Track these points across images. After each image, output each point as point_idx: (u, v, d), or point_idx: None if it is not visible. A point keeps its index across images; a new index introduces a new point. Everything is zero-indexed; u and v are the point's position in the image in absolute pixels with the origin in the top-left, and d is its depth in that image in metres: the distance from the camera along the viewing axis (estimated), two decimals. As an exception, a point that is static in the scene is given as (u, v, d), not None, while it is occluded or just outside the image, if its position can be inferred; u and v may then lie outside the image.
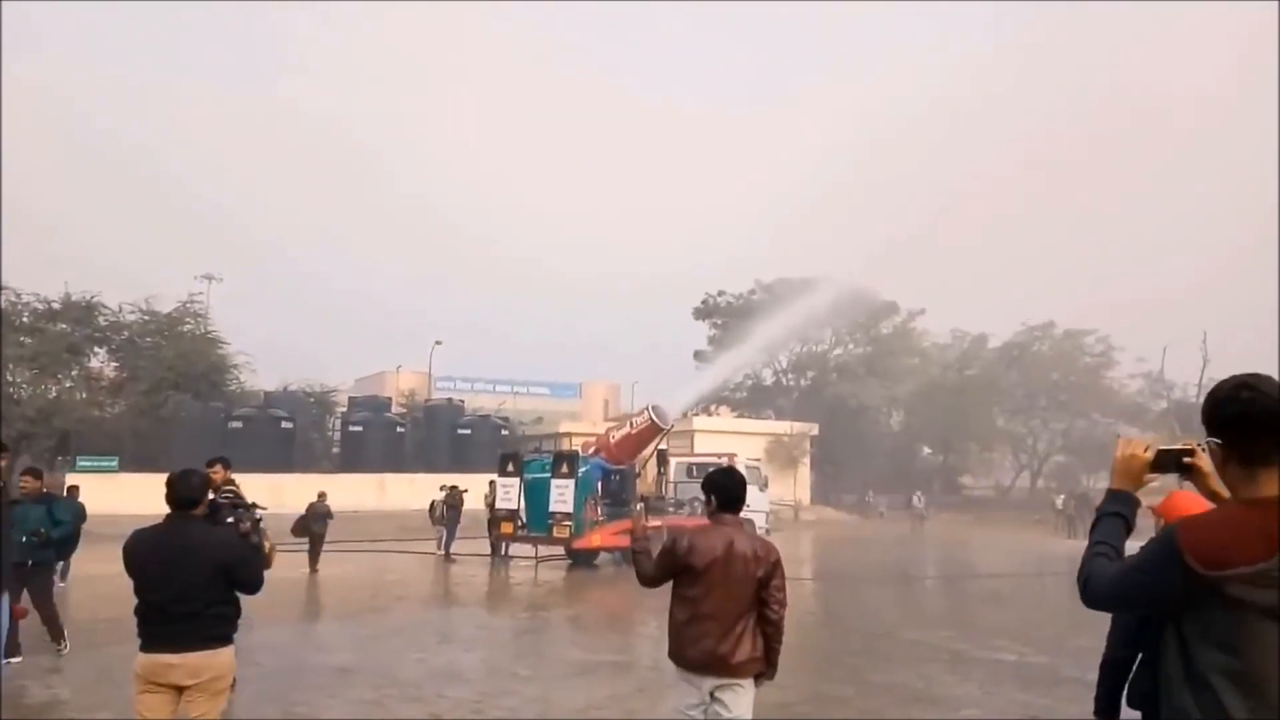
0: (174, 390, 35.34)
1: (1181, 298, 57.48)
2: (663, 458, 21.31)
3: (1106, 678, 3.17)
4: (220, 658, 4.01)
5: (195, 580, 3.91)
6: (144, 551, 4.06)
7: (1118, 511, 2.16)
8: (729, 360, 35.06)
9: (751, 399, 52.38)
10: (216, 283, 44.71)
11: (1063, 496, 36.81)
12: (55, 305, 36.59)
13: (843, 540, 29.69)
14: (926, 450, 54.36)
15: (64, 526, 8.18)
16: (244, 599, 4.18)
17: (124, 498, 20.68)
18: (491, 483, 20.67)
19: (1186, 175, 72.76)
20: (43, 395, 35.47)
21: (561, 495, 18.50)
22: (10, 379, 34.96)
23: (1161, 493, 2.68)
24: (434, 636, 10.69)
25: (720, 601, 3.97)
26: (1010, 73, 65.80)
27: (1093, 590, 2.08)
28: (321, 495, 18.20)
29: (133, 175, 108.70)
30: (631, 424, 20.91)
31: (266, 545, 5.40)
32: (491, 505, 20.23)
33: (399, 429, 38.24)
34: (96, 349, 38.44)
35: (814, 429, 43.32)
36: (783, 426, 43.30)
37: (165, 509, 4.05)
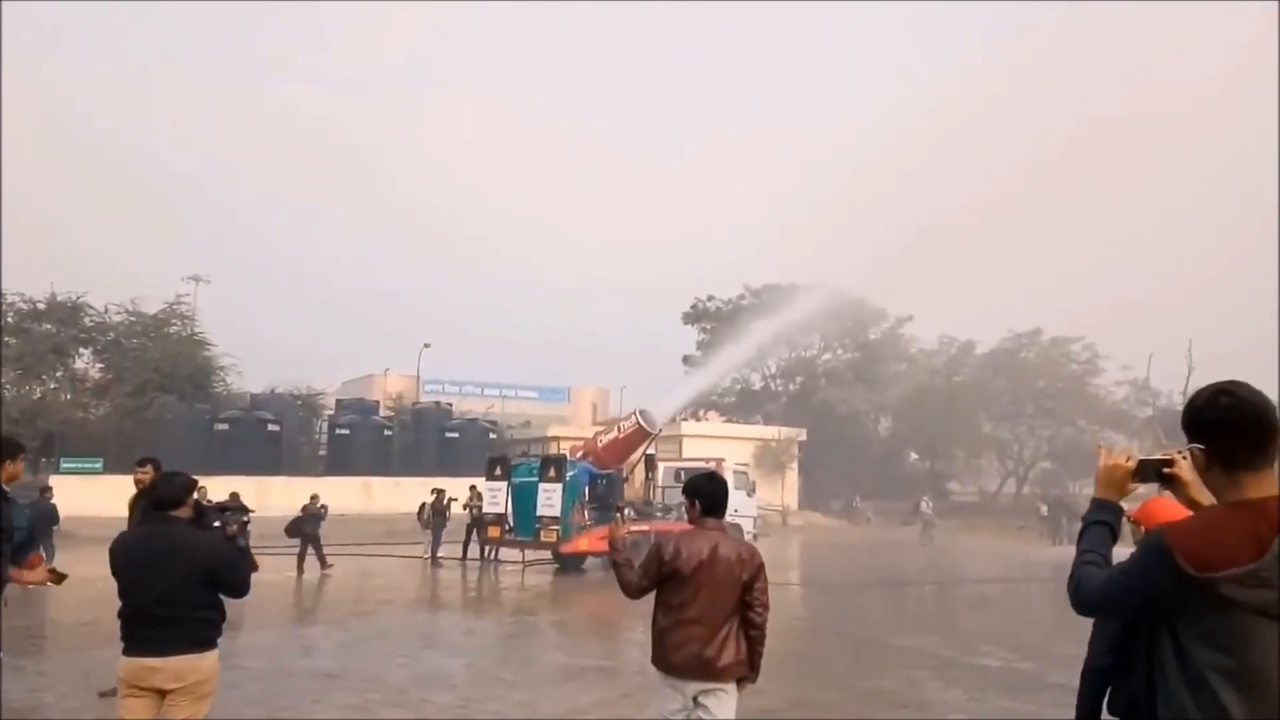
0: (160, 392, 35.10)
1: (1167, 306, 57.99)
2: (651, 462, 21.32)
3: (1089, 685, 3.20)
4: (204, 662, 3.98)
5: (179, 583, 3.89)
6: (128, 554, 4.03)
7: (1103, 520, 2.21)
8: (716, 365, 35.10)
9: (740, 404, 52.47)
10: (204, 284, 44.52)
11: (1045, 505, 36.90)
12: (40, 305, 36.32)
13: (830, 546, 29.75)
14: (914, 456, 54.54)
15: (19, 533, 8.05)
16: (229, 602, 4.16)
17: (108, 500, 20.47)
18: (472, 487, 20.63)
19: (1172, 184, 73.29)
20: (27, 396, 35.19)
21: (549, 499, 18.47)
22: (-2, 379, 34.69)
23: (1138, 500, 2.72)
24: (419, 641, 10.66)
25: (706, 605, 3.98)
26: (999, 83, 66.20)
27: (1083, 596, 2.11)
28: (314, 498, 18.26)
29: (122, 174, 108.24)
30: (619, 429, 20.91)
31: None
32: (471, 509, 20.13)
33: (386, 432, 38.09)
34: (82, 350, 38.15)
35: (802, 434, 43.41)
36: (771, 432, 43.39)
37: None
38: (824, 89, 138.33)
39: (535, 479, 19.07)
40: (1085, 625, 3.14)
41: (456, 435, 38.11)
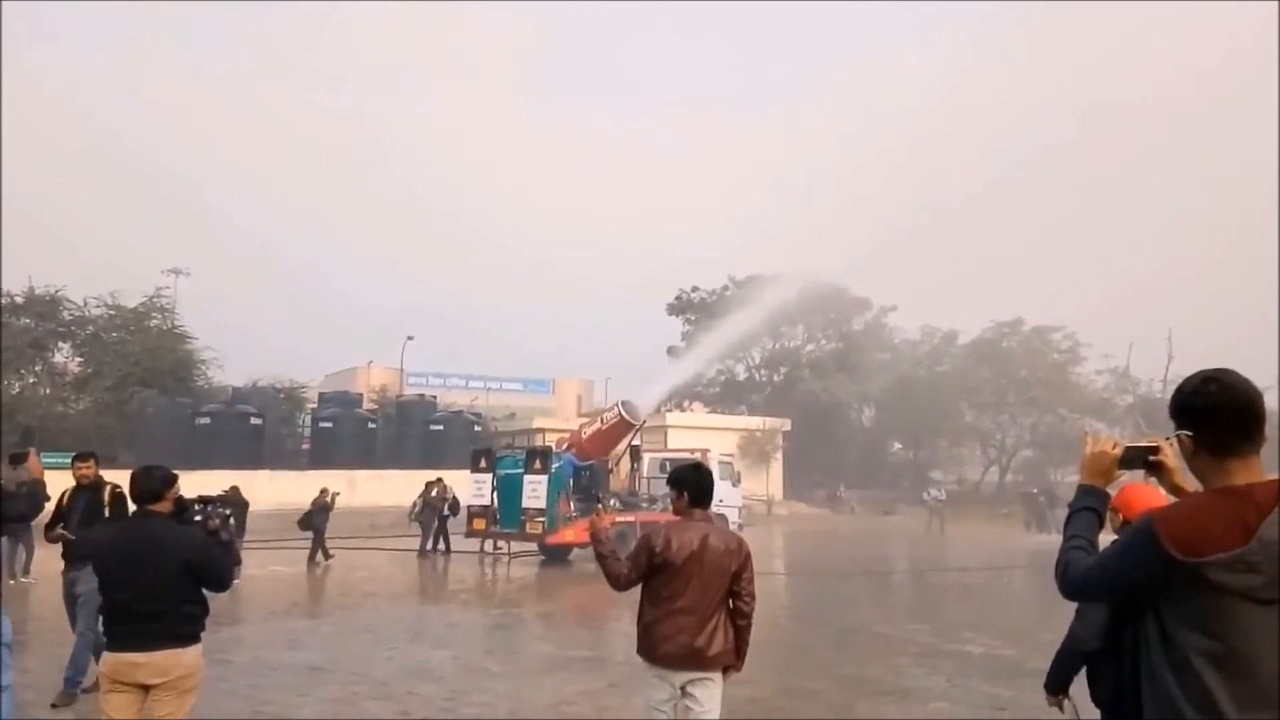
0: (140, 386, 34.77)
1: (1147, 296, 58.41)
2: (636, 453, 21.33)
3: (1063, 664, 3.25)
4: (187, 656, 3.97)
5: (161, 578, 3.87)
6: (109, 549, 4.01)
7: (1089, 506, 2.24)
8: (697, 356, 35.15)
9: (724, 395, 52.56)
10: (184, 277, 44.12)
11: (1036, 489, 37.08)
12: (18, 299, 35.91)
13: (814, 535, 29.89)
14: (897, 446, 54.83)
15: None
16: (212, 596, 4.14)
17: (89, 495, 20.33)
18: (439, 480, 20.52)
19: (1153, 174, 73.90)
20: (5, 391, 34.78)
21: (534, 491, 18.46)
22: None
23: (1114, 486, 2.76)
24: (405, 634, 10.63)
25: (696, 596, 4.00)
26: (983, 78, 66.50)
27: (1071, 580, 2.14)
28: (324, 490, 18.47)
29: (101, 166, 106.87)
30: (602, 420, 20.92)
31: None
32: (429, 502, 19.96)
33: (370, 425, 37.91)
34: (61, 344, 37.74)
35: (786, 424, 43.53)
36: (755, 422, 43.48)
37: (131, 506, 4.01)
38: (810, 83, 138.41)
39: (520, 471, 19.05)
40: (1067, 612, 3.18)
41: (441, 428, 37.98)
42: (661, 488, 19.93)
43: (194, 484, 5.08)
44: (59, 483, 6.52)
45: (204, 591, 4.07)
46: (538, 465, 18.82)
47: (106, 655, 3.93)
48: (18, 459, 5.12)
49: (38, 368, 36.97)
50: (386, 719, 6.81)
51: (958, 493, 49.55)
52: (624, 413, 19.92)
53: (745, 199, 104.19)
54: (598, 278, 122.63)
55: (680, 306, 51.94)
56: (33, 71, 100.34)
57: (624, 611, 10.86)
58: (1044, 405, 48.12)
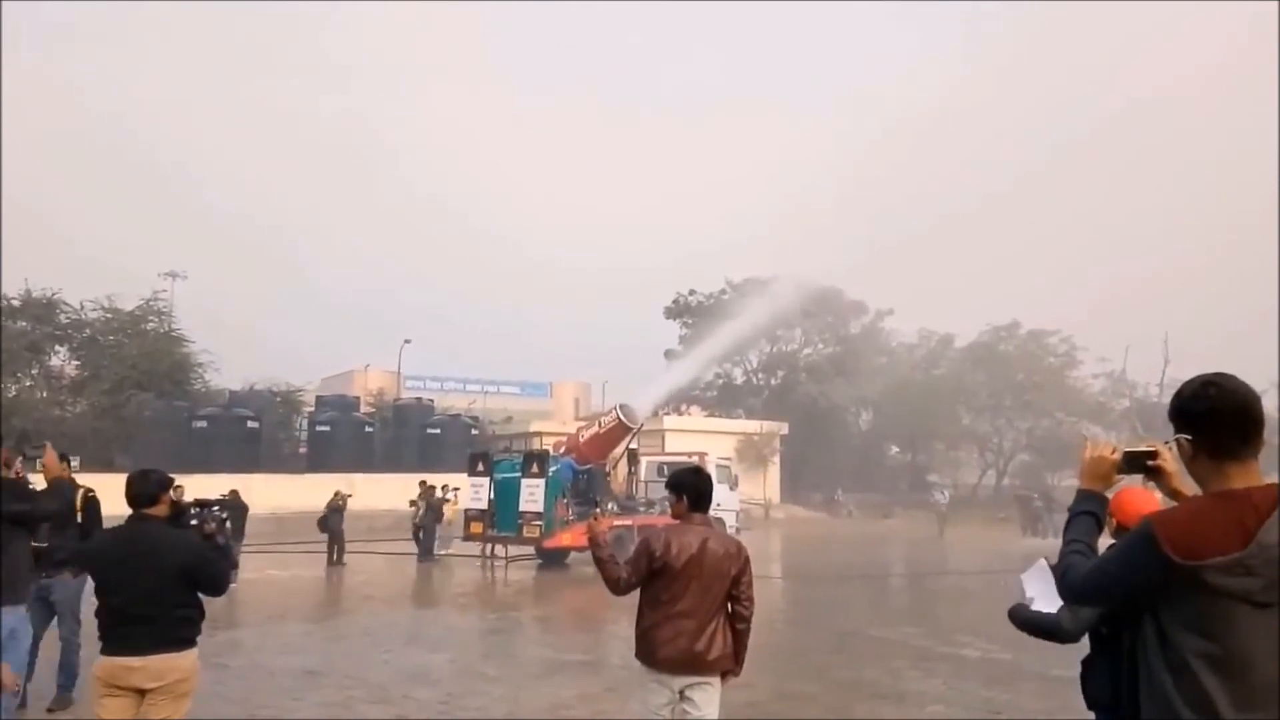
0: (137, 389, 34.72)
1: (1143, 299, 58.56)
2: (633, 457, 21.32)
3: (1035, 627, 3.24)
4: (183, 660, 3.96)
5: (157, 583, 3.86)
6: (105, 553, 4.00)
7: (1089, 510, 2.25)
8: (694, 359, 35.13)
9: (722, 398, 52.56)
10: (181, 280, 44.10)
11: (1034, 494, 37.08)
12: (15, 302, 35.86)
13: (811, 539, 29.89)
14: (894, 449, 54.84)
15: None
16: (208, 600, 4.13)
17: (85, 499, 20.29)
18: (422, 482, 20.45)
19: (1148, 178, 74.07)
20: (1, 394, 34.73)
21: (532, 495, 18.45)
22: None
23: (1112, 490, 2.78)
24: (401, 637, 10.62)
25: (696, 600, 3.99)
26: (980, 82, 66.64)
27: (1071, 584, 2.16)
28: (337, 493, 18.73)
29: (97, 166, 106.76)
30: (600, 424, 20.92)
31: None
32: (432, 504, 19.89)
33: (367, 429, 37.89)
34: (58, 347, 37.72)
35: (783, 428, 43.55)
36: (753, 426, 43.49)
37: (127, 510, 4.00)
38: (808, 86, 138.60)
39: (518, 474, 19.03)
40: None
41: (438, 431, 37.96)
42: (659, 491, 19.93)
43: (191, 487, 5.08)
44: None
45: (200, 595, 4.07)
46: (535, 469, 18.81)
47: (102, 659, 3.92)
48: (33, 457, 5.06)
49: (34, 371, 36.94)
50: (383, 723, 6.80)
51: (955, 496, 49.59)
52: (622, 416, 19.92)
53: (743, 202, 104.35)
54: (595, 281, 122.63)
55: (677, 309, 51.96)
56: (32, 71, 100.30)
57: (621, 615, 10.85)
58: (1040, 409, 48.18)
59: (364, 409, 41.95)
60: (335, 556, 18.24)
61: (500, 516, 19.20)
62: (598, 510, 4.73)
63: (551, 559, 19.08)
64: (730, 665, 4.09)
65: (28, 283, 36.51)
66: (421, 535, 19.78)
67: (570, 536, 18.59)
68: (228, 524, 6.00)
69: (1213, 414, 1.99)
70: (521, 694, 7.70)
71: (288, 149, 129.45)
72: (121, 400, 34.47)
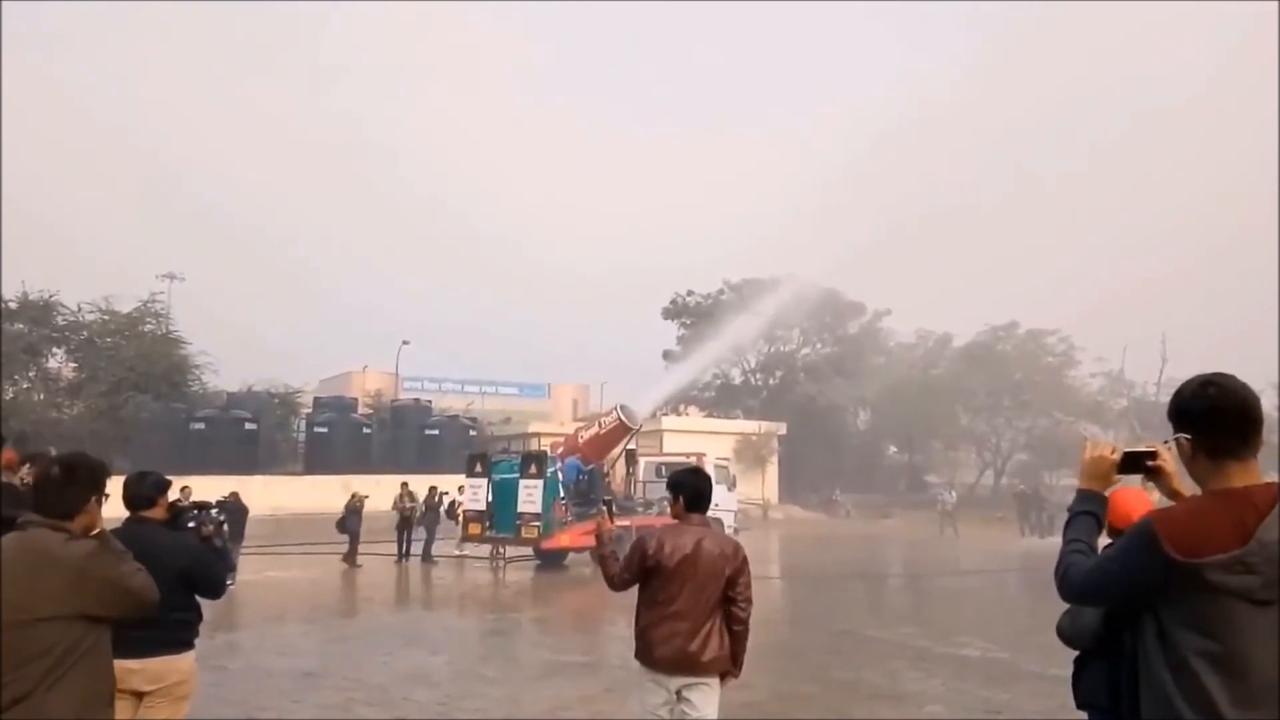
0: (134, 391, 34.69)
1: (1141, 299, 58.58)
2: (631, 457, 21.33)
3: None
4: (182, 663, 3.96)
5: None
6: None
7: (1088, 510, 2.26)
8: (696, 360, 35.15)
9: (720, 399, 52.56)
10: (178, 281, 44.04)
11: (1024, 487, 37.10)
12: (12, 304, 35.81)
13: (809, 539, 29.89)
14: (892, 449, 54.86)
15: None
16: (206, 603, 4.13)
17: (83, 501, 20.23)
18: (403, 484, 20.32)
19: (1146, 178, 74.15)
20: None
21: (530, 496, 18.44)
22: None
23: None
24: (400, 639, 10.61)
25: (690, 600, 3.98)
26: (976, 81, 66.69)
27: (1071, 583, 2.17)
28: (354, 495, 18.78)
29: (104, 167, 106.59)
30: (600, 424, 20.92)
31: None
32: (402, 509, 19.66)
33: (365, 430, 37.86)
34: (55, 349, 37.67)
35: (782, 428, 43.56)
36: (751, 426, 43.49)
37: (124, 512, 4.00)
38: (805, 87, 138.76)
39: (516, 476, 19.01)
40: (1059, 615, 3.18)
41: (436, 432, 37.94)
42: (657, 492, 19.95)
43: (190, 490, 5.08)
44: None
45: (198, 598, 4.06)
46: (533, 470, 18.80)
47: (100, 662, 3.91)
48: (35, 459, 5.02)
49: (31, 373, 36.88)
50: (381, 725, 6.80)
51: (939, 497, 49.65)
52: (623, 417, 19.93)
53: (740, 203, 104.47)
54: (594, 282, 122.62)
55: (675, 310, 51.98)
56: (31, 72, 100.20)
57: (619, 616, 10.86)
58: (1038, 408, 48.19)
59: (362, 410, 41.93)
60: (351, 558, 18.29)
61: (498, 517, 19.19)
62: (607, 507, 4.72)
63: (549, 560, 19.07)
64: (727, 667, 4.06)
65: (25, 284, 36.52)
66: (407, 535, 19.59)
67: (569, 538, 18.59)
68: (225, 526, 6.01)
69: (1212, 413, 2.00)
70: (520, 695, 7.69)
71: (286, 150, 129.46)
72: (119, 402, 34.44)
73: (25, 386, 36.69)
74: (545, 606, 14.61)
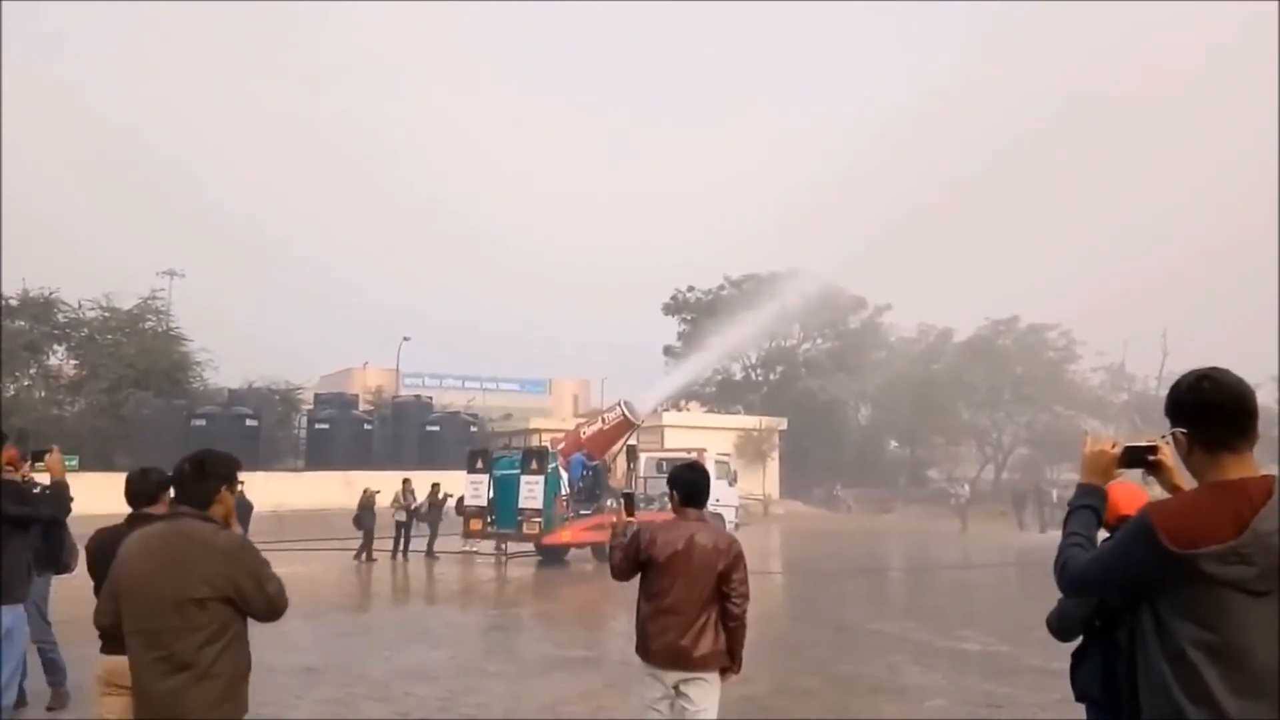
0: (135, 388, 34.73)
1: (1142, 293, 58.54)
2: (632, 453, 21.33)
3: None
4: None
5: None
6: (106, 552, 3.99)
7: (1088, 504, 2.29)
8: (703, 357, 35.15)
9: (721, 394, 52.60)
10: (178, 278, 44.09)
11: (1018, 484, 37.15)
12: (13, 301, 35.82)
13: (811, 534, 29.91)
14: (893, 444, 54.88)
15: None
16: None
17: (84, 497, 20.15)
18: (405, 481, 20.20)
19: (1147, 172, 73.99)
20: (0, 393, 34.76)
21: (531, 492, 18.46)
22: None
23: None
24: (402, 634, 10.63)
25: (681, 595, 3.98)
26: (976, 74, 66.58)
27: (1070, 574, 2.19)
28: (366, 490, 18.91)
29: (96, 165, 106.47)
30: (604, 419, 20.95)
31: None
32: (406, 506, 19.55)
33: (366, 426, 37.91)
34: (56, 346, 37.71)
35: (783, 423, 43.58)
36: (752, 421, 43.53)
37: (127, 508, 4.00)
38: (804, 82, 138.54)
39: (517, 472, 19.03)
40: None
41: (437, 429, 38.00)
42: (658, 487, 19.98)
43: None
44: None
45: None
46: (534, 465, 18.81)
47: (102, 658, 3.92)
48: (38, 456, 4.99)
49: (32, 370, 36.93)
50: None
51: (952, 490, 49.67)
52: (627, 412, 19.94)
53: (741, 199, 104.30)
54: (594, 278, 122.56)
55: (676, 306, 52.01)
56: (31, 71, 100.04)
57: (621, 611, 10.87)
58: (1039, 403, 48.21)
59: (363, 407, 42.00)
60: (366, 554, 18.40)
61: (500, 513, 19.20)
62: (625, 500, 4.79)
63: (551, 556, 19.09)
64: (724, 662, 4.05)
65: (25, 282, 36.58)
66: (407, 531, 19.53)
67: (570, 533, 18.61)
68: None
69: (1207, 407, 2.02)
70: (521, 691, 7.71)
71: (287, 148, 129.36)
72: (120, 399, 34.47)
73: (26, 384, 36.74)
74: (547, 602, 14.63)
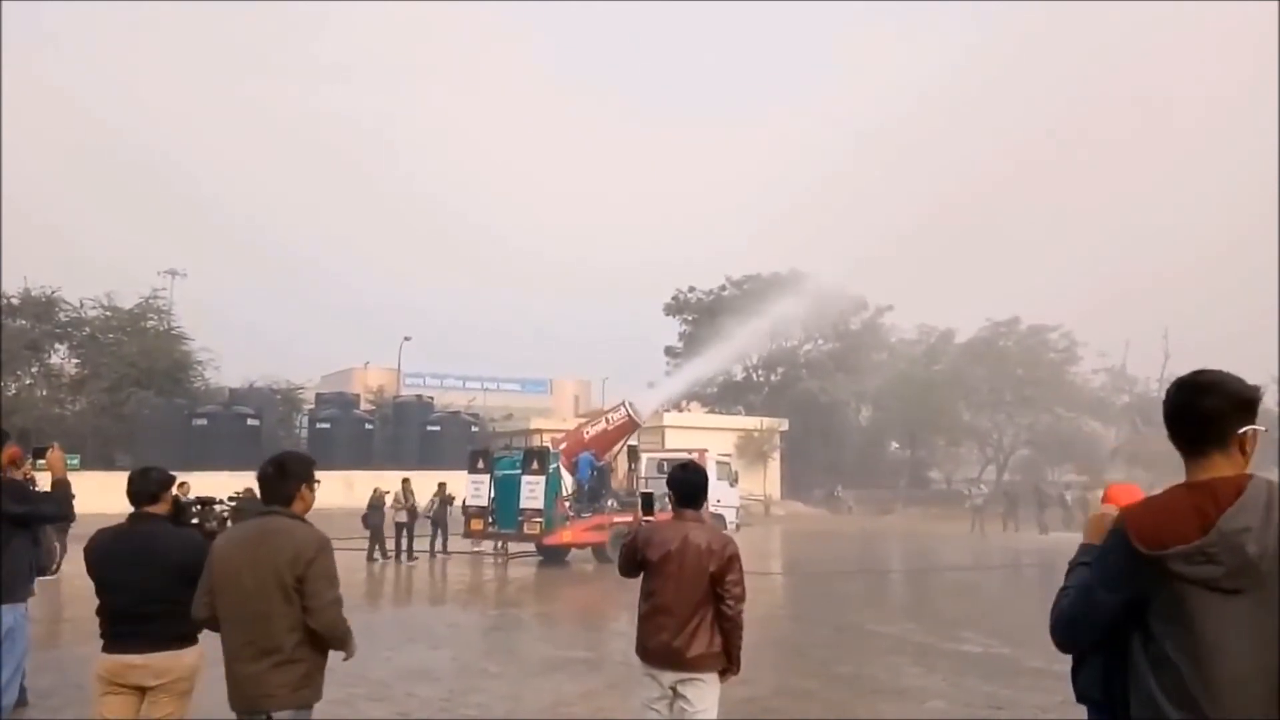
0: (137, 387, 34.78)
1: (1143, 294, 58.47)
2: (634, 453, 21.34)
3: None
4: (185, 658, 3.96)
5: (158, 581, 3.86)
6: (106, 551, 4.00)
7: (1086, 562, 2.32)
8: (707, 359, 35.14)
9: (722, 395, 52.60)
10: (180, 278, 44.13)
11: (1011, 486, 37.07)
12: (14, 300, 35.86)
13: (812, 535, 29.90)
14: (894, 445, 54.86)
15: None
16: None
17: (85, 497, 20.20)
18: (405, 481, 20.09)
19: (1148, 173, 73.96)
20: (1, 393, 34.79)
21: (532, 492, 18.44)
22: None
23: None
24: (403, 635, 10.63)
25: (674, 595, 3.98)
26: (978, 77, 66.58)
27: (1059, 617, 2.23)
28: (375, 490, 19.03)
29: (97, 165, 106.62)
30: (608, 419, 20.95)
31: None
32: (406, 506, 19.41)
33: (367, 426, 37.95)
34: (57, 345, 37.76)
35: (784, 424, 43.57)
36: (753, 422, 43.52)
37: (128, 508, 4.00)
38: (807, 83, 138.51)
39: (518, 472, 19.02)
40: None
41: (438, 428, 38.03)
42: (659, 488, 19.98)
43: (192, 485, 5.08)
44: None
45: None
46: (535, 466, 18.80)
47: (103, 657, 3.92)
48: (39, 453, 4.99)
49: (34, 369, 36.98)
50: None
51: (954, 492, 49.62)
52: (631, 412, 19.92)
53: (742, 199, 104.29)
54: (595, 278, 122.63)
55: (677, 306, 52.00)
56: (31, 71, 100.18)
57: (622, 612, 10.88)
58: (1040, 404, 48.19)
59: (364, 406, 42.03)
60: (378, 553, 18.44)
61: (501, 514, 19.20)
62: (644, 500, 4.86)
63: (552, 556, 19.08)
64: (721, 663, 4.03)
65: (27, 281, 36.68)
66: (407, 531, 19.45)
67: (571, 534, 18.60)
68: (229, 522, 6.02)
69: (1170, 414, 2.09)
70: (523, 691, 7.70)
71: (288, 148, 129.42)
72: (121, 398, 34.51)
73: (28, 383, 36.81)
74: (547, 602, 14.62)
